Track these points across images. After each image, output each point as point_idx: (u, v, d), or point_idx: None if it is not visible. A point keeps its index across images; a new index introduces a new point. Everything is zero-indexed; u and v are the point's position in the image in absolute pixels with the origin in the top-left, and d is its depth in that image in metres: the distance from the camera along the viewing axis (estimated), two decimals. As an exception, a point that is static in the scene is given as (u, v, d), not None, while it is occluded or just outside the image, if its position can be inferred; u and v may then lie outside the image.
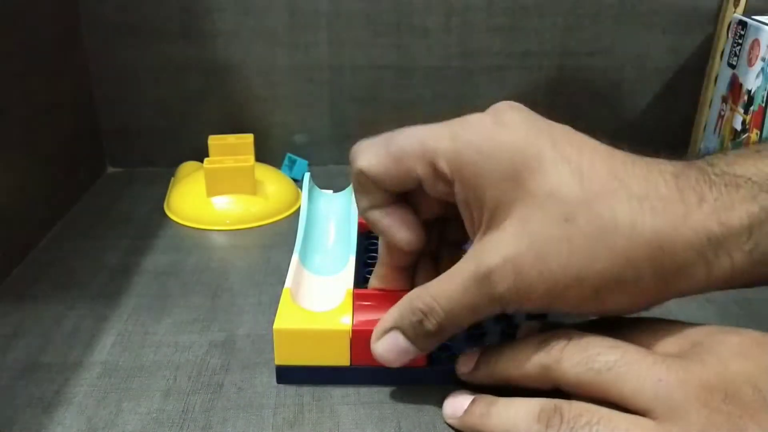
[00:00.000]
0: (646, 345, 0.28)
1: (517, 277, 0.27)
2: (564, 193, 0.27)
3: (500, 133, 0.29)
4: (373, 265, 0.42)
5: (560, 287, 0.27)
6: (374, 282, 0.35)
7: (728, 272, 0.26)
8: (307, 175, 0.46)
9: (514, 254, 0.27)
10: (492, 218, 0.28)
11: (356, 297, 0.34)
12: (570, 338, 0.28)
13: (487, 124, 0.29)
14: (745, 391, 0.24)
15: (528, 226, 0.27)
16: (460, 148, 0.29)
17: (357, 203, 0.33)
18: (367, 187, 0.32)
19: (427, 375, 0.33)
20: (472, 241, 0.30)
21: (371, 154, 0.31)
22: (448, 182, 0.29)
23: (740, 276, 0.27)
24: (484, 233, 0.29)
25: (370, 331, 0.32)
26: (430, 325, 0.29)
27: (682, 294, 0.27)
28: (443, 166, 0.29)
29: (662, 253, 0.26)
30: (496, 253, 0.28)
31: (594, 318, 0.31)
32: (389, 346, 0.31)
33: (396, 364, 0.31)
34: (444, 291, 0.29)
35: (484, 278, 0.28)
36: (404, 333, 0.31)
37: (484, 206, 0.29)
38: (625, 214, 0.26)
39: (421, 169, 0.30)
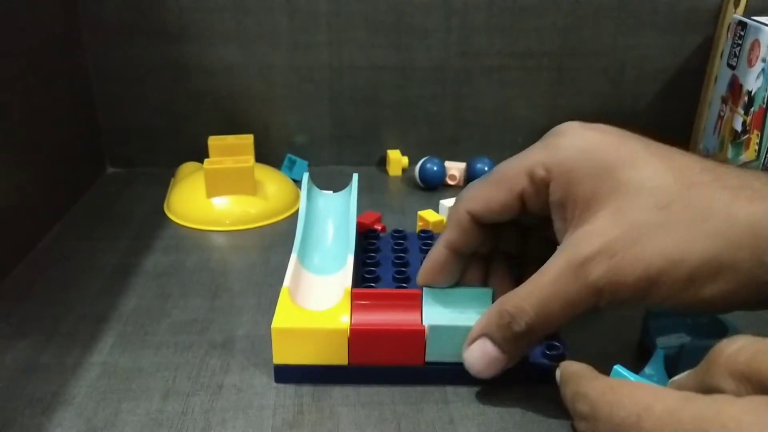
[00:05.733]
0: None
1: (611, 262, 0.27)
2: (658, 183, 0.28)
3: (592, 135, 0.30)
4: (371, 264, 0.42)
5: (654, 271, 0.27)
6: (425, 264, 0.35)
7: None
8: (305, 175, 0.46)
9: (608, 240, 0.28)
10: (584, 212, 0.29)
11: (354, 296, 0.34)
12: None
13: (577, 129, 0.31)
14: None
15: (622, 214, 0.28)
16: (554, 152, 0.30)
17: (444, 233, 0.34)
18: (465, 227, 0.33)
19: (427, 375, 0.33)
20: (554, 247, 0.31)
21: (473, 190, 0.33)
22: (546, 186, 0.30)
23: None
24: (576, 228, 0.29)
25: (368, 330, 0.33)
26: (518, 326, 0.29)
27: None
28: (541, 171, 0.30)
29: (758, 239, 0.26)
30: (589, 243, 0.28)
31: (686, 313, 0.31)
32: (478, 354, 0.31)
33: (486, 374, 0.31)
34: (533, 290, 0.29)
35: (579, 267, 0.28)
36: (492, 339, 0.30)
37: (577, 201, 0.29)
38: (720, 201, 0.27)
39: (522, 183, 0.31)
